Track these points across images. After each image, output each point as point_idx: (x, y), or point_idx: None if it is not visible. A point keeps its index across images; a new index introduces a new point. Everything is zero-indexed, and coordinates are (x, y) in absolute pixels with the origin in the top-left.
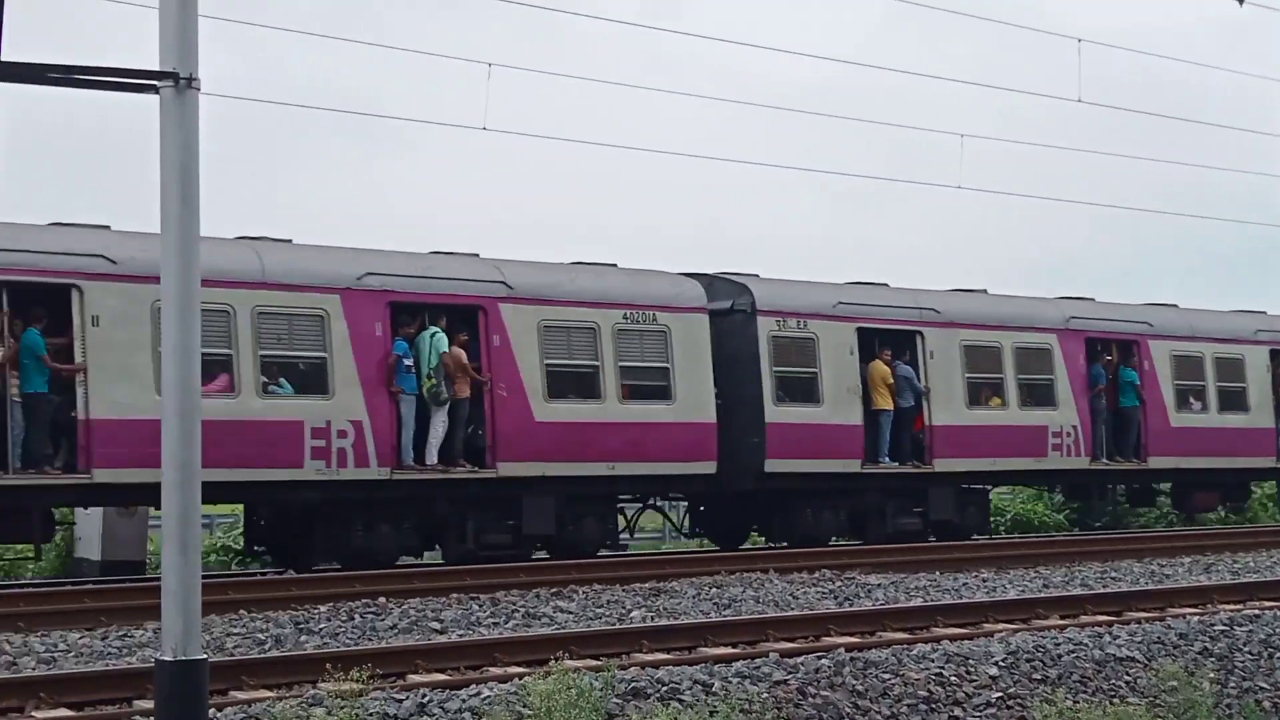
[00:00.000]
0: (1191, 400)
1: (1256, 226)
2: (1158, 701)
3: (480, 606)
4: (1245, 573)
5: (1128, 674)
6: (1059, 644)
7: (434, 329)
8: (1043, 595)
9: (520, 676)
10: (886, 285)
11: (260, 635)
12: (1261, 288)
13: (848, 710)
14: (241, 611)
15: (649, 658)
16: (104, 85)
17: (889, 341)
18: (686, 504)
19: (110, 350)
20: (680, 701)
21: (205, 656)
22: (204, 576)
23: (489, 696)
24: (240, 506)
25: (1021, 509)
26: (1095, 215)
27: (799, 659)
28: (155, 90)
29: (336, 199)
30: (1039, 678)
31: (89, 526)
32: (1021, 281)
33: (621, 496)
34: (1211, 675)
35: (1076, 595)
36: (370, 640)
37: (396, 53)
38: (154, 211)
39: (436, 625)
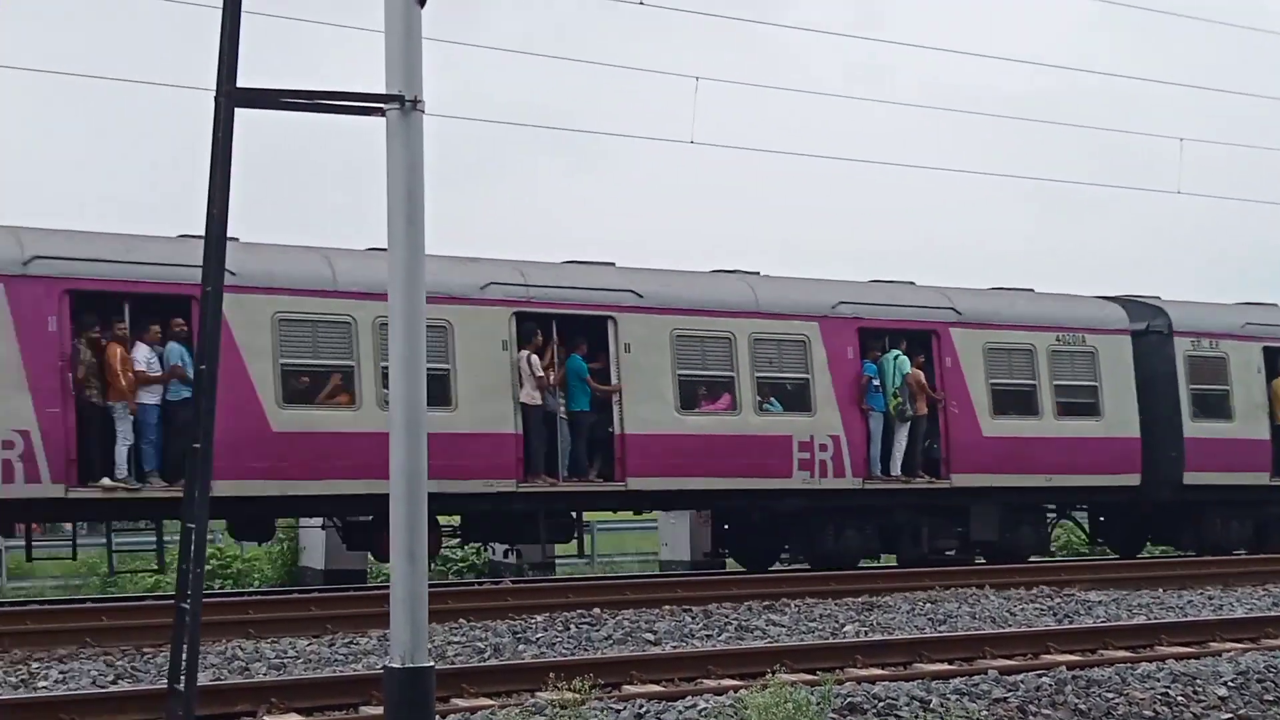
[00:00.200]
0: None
1: None
2: None
3: (693, 619)
4: None
5: None
6: None
7: (896, 351)
8: (1273, 614)
9: (735, 689)
10: (1275, 305)
11: (480, 644)
12: None
13: None
14: (461, 620)
15: (864, 673)
16: (335, 109)
17: None
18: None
19: (639, 373)
20: (897, 718)
21: (432, 664)
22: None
23: (705, 709)
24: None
25: None
26: None
27: (1019, 677)
28: (382, 113)
29: (545, 215)
30: (1271, 699)
31: (313, 536)
32: (1241, 287)
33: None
34: None
35: None
36: (586, 650)
37: (603, 69)
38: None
39: (650, 636)
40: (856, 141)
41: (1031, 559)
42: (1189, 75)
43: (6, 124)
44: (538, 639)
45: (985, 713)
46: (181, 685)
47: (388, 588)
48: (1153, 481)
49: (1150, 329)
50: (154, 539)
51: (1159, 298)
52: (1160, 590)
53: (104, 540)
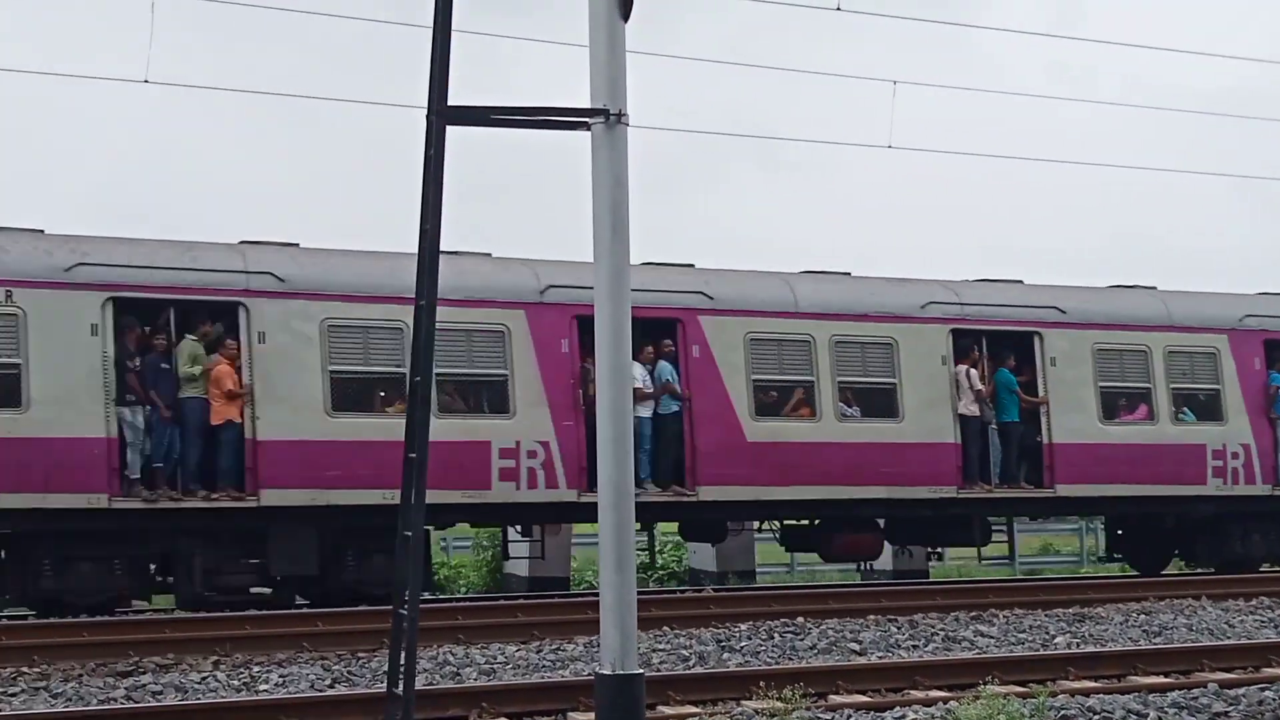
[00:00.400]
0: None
1: None
2: None
3: (898, 629)
4: None
5: None
6: None
7: None
8: None
9: (944, 700)
10: None
11: (684, 652)
12: None
13: None
14: (665, 628)
15: (1076, 685)
16: (542, 125)
17: None
18: None
19: (1064, 386)
20: None
21: (641, 671)
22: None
23: (914, 719)
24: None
25: None
26: None
27: (1240, 690)
28: (587, 127)
29: (745, 223)
30: None
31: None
32: None
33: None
34: None
35: None
36: (791, 660)
37: (799, 75)
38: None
39: (855, 646)
40: (1058, 142)
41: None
42: None
43: (228, 144)
44: (741, 647)
45: None
46: (400, 689)
47: (591, 595)
48: None
49: None
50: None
51: None
52: None
53: None
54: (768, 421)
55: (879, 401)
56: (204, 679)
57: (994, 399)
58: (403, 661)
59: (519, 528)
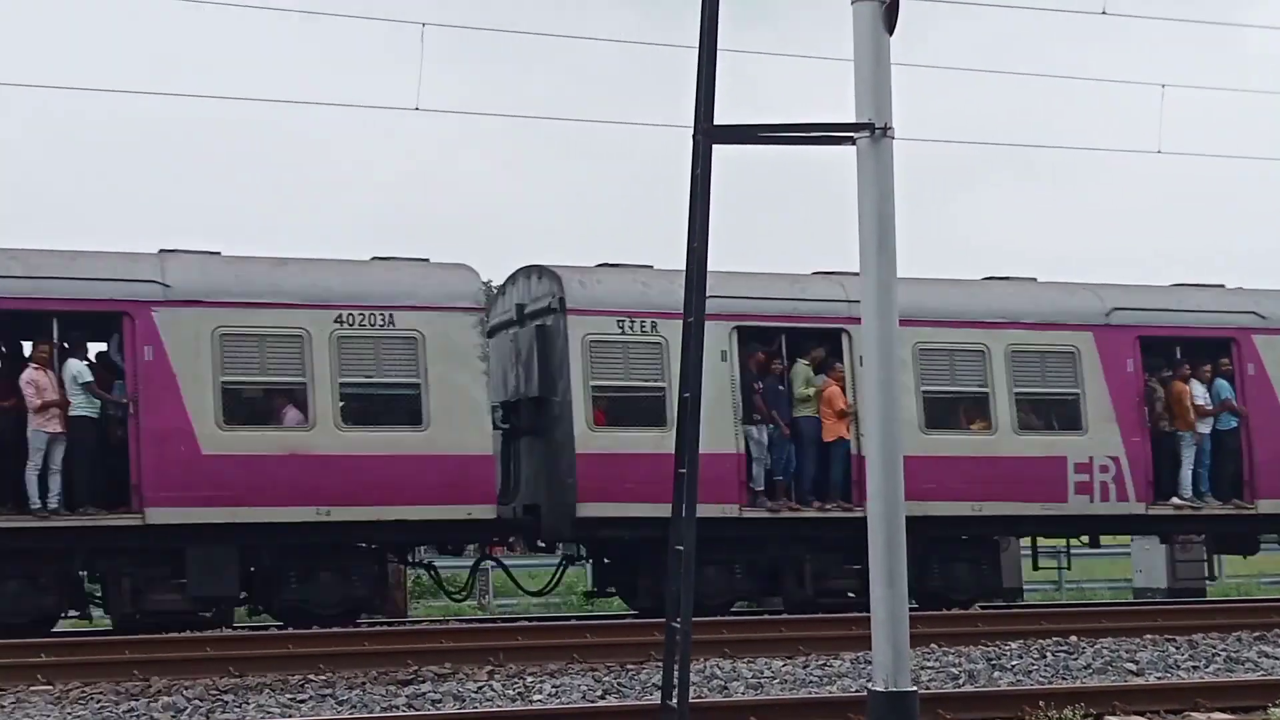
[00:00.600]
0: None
1: None
2: None
3: (1177, 649)
4: None
5: None
6: None
7: None
8: None
9: None
10: None
11: (953, 669)
12: None
13: None
14: (933, 645)
15: None
16: (808, 140)
17: None
18: None
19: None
20: None
21: (914, 689)
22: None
23: None
24: None
25: None
26: None
27: None
28: (852, 141)
29: (1007, 233)
30: None
31: None
32: None
33: None
34: None
35: None
36: (1064, 679)
37: (1062, 81)
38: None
39: (1132, 666)
40: None
41: None
42: None
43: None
44: (1013, 666)
45: None
46: (674, 701)
47: (855, 611)
48: None
49: None
50: None
51: None
52: None
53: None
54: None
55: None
56: (480, 688)
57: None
58: (676, 674)
59: None
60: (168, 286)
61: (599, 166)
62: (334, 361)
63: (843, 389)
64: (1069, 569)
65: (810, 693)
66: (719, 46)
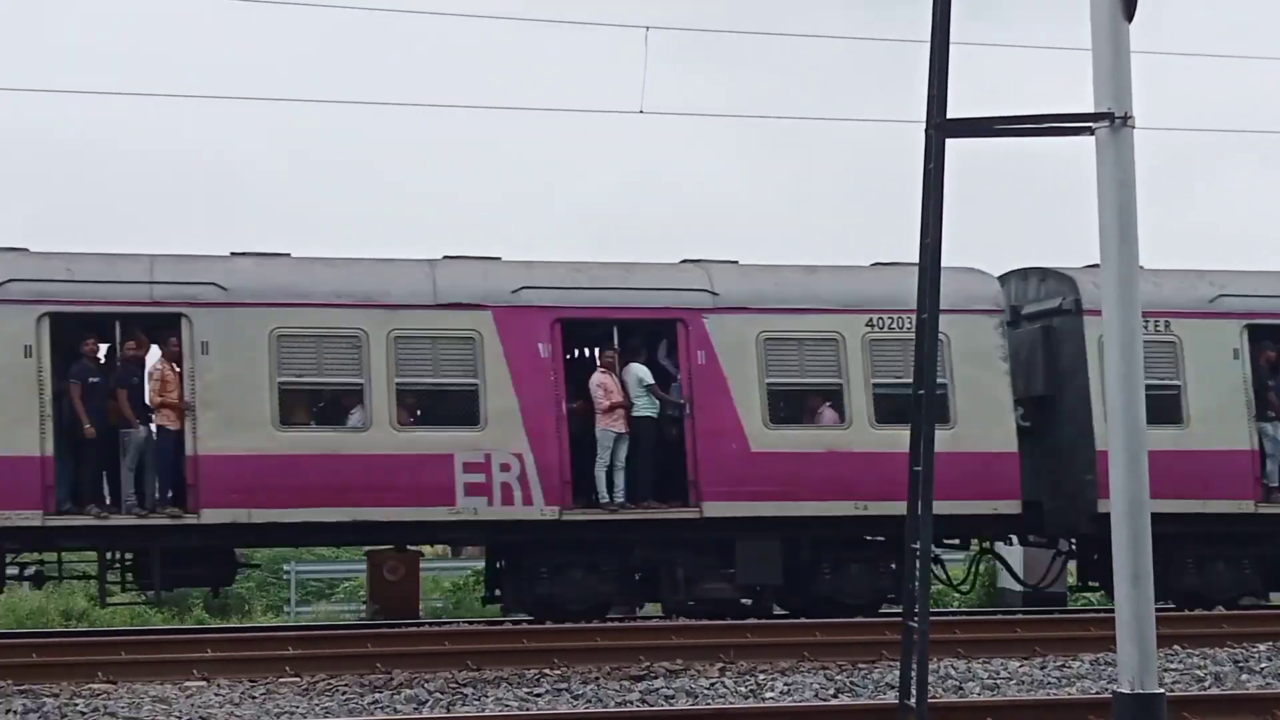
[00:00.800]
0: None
1: None
2: None
3: None
4: None
5: None
6: None
7: None
8: None
9: None
10: None
11: (1198, 672)
12: None
13: None
14: (1175, 647)
15: None
16: (1045, 132)
17: None
18: None
19: None
20: None
21: (1162, 691)
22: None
23: None
24: None
25: None
26: None
27: None
28: (1091, 131)
29: (1251, 220)
30: None
31: (1012, 557)
32: None
33: None
34: None
35: None
36: None
37: None
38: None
39: None
40: None
41: None
42: None
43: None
44: (1261, 669)
45: None
46: (913, 701)
47: (1092, 611)
48: None
49: None
50: None
51: None
52: None
53: None
54: None
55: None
56: (712, 684)
57: None
58: (914, 673)
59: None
60: (716, 294)
61: (822, 163)
62: (866, 364)
63: None
64: None
65: (1049, 694)
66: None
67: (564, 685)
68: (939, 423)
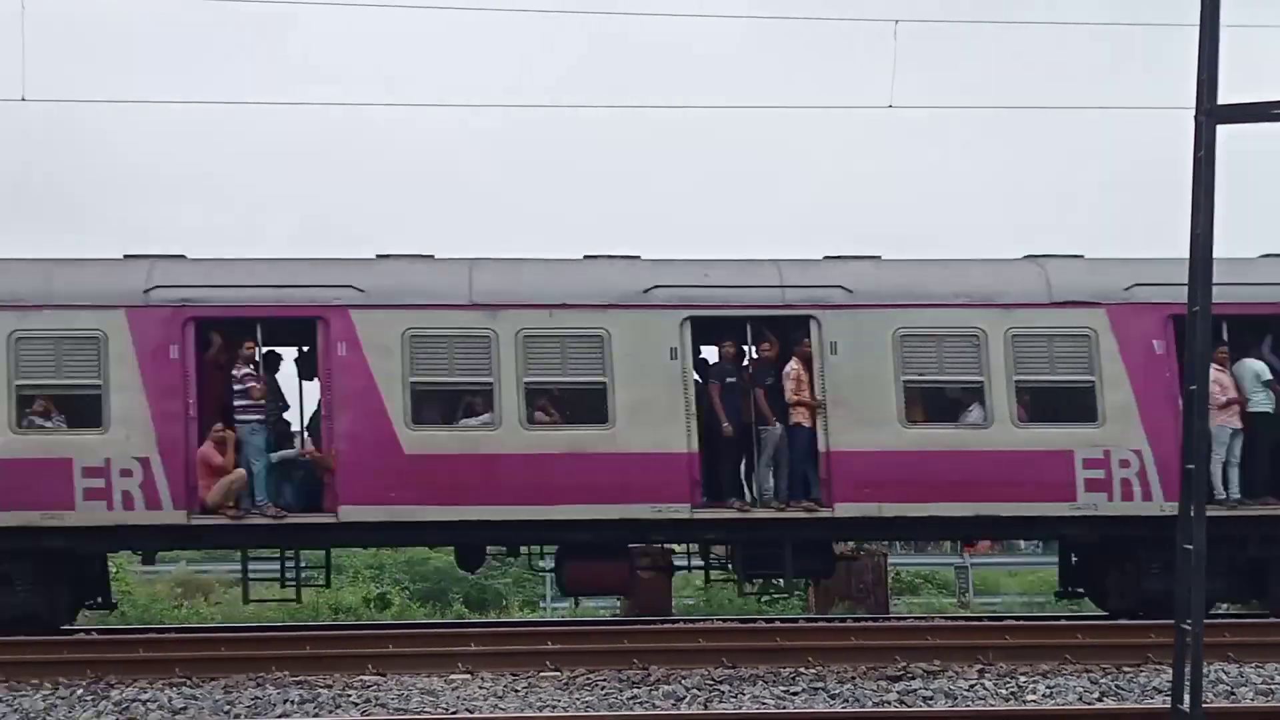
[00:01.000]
0: None
1: None
2: None
3: None
4: None
5: None
6: None
7: None
8: None
9: None
10: None
11: None
12: None
13: None
14: None
15: None
16: None
17: None
18: None
19: None
20: None
21: None
22: None
23: None
24: None
25: None
26: None
27: None
28: None
29: None
30: None
31: None
32: None
33: None
34: None
35: None
36: None
37: None
38: None
39: None
40: None
41: None
42: None
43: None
44: None
45: None
46: (1186, 706)
47: None
48: None
49: None
50: None
51: None
52: None
53: None
54: None
55: None
56: (971, 686)
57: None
58: (1187, 678)
59: None
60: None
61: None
62: None
63: None
64: None
65: None
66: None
67: (820, 684)
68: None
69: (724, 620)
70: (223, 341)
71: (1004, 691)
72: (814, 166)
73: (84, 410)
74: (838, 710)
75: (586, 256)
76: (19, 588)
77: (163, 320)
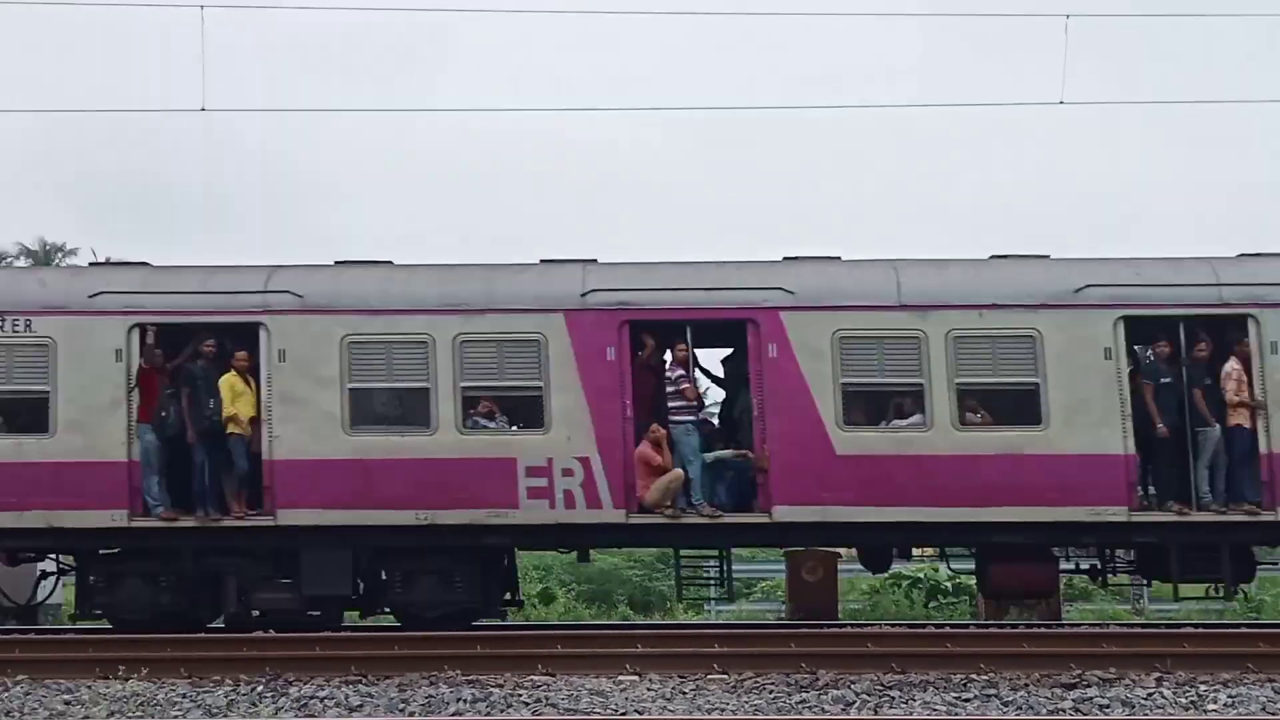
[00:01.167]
0: None
1: None
2: None
3: None
4: None
5: None
6: None
7: None
8: None
9: None
10: None
11: None
12: None
13: None
14: None
15: None
16: None
17: None
18: None
19: None
20: None
21: None
22: None
23: None
24: None
25: None
26: None
27: None
28: None
29: None
30: None
31: None
32: None
33: None
34: None
35: None
36: None
37: None
38: None
39: None
40: None
41: None
42: None
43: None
44: None
45: None
46: None
47: None
48: None
49: None
50: None
51: None
52: None
53: None
54: None
55: None
56: (1149, 695)
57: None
58: None
59: None
60: None
61: (1244, 152)
62: None
63: None
64: None
65: None
66: None
67: (992, 691)
68: None
69: (892, 625)
70: (654, 344)
71: (1183, 700)
72: (984, 164)
73: (526, 411)
74: (1011, 717)
75: (993, 256)
76: (458, 584)
77: (600, 322)
